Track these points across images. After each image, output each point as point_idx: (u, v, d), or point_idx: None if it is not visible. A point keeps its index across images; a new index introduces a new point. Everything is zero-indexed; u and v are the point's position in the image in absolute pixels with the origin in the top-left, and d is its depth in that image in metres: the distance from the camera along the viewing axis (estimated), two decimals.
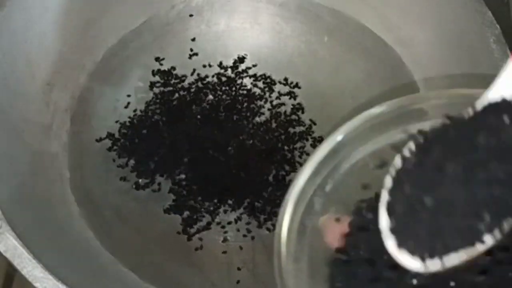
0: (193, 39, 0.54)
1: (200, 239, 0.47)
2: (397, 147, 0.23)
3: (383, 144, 0.26)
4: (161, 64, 0.53)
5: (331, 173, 0.25)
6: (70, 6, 0.50)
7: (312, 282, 0.23)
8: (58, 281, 0.35)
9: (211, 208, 0.48)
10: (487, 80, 0.23)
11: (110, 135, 0.50)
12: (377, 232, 0.21)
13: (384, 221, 0.21)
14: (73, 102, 0.50)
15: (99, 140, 0.49)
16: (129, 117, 0.51)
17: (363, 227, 0.23)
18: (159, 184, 0.48)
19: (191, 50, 0.53)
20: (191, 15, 0.54)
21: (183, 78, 0.52)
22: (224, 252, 0.46)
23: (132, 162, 0.49)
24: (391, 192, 0.21)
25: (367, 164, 0.26)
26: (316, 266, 0.23)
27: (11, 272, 0.47)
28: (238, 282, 0.45)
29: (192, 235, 0.47)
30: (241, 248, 0.47)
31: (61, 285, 0.35)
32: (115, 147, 0.49)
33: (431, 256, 0.20)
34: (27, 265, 0.36)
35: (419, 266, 0.20)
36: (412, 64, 0.51)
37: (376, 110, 0.25)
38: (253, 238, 0.47)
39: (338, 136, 0.25)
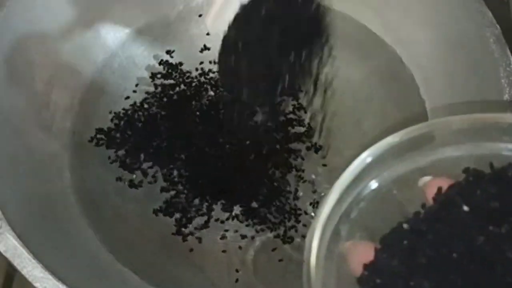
0: (208, 34, 0.54)
1: (199, 238, 0.47)
2: (420, 172, 0.24)
3: (405, 170, 0.26)
4: (168, 61, 0.53)
5: (355, 200, 0.25)
6: (70, 6, 0.50)
7: None
8: (58, 281, 0.36)
9: (204, 209, 0.47)
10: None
11: (99, 130, 0.50)
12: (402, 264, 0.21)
13: None
14: (73, 102, 0.50)
15: (91, 140, 0.49)
16: (124, 109, 0.50)
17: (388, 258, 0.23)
18: (153, 178, 0.48)
19: (204, 46, 0.53)
20: (200, 15, 0.55)
21: (187, 73, 0.52)
22: (224, 251, 0.46)
23: (122, 153, 0.49)
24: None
25: (390, 190, 0.26)
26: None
27: (11, 272, 0.47)
28: (237, 281, 0.45)
29: (186, 235, 0.47)
30: (240, 248, 0.47)
31: (61, 285, 0.35)
32: (104, 140, 0.49)
33: None
34: (27, 265, 0.36)
35: None
36: (412, 64, 0.51)
37: (395, 137, 0.26)
38: (252, 237, 0.47)
39: (360, 163, 0.25)
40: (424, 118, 0.49)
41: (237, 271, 0.45)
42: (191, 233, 0.47)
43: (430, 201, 0.24)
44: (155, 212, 0.47)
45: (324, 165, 0.49)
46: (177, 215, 0.47)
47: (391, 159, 0.26)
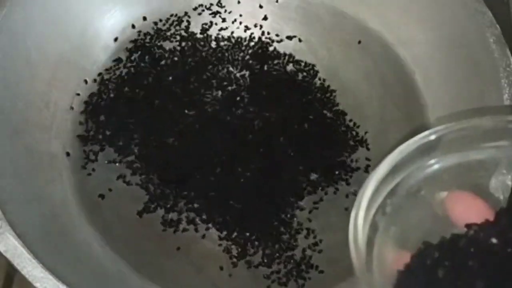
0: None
1: (199, 238, 0.47)
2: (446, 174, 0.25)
3: (434, 171, 0.26)
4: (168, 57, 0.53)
5: (389, 195, 0.26)
6: (70, 6, 0.50)
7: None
8: (58, 281, 0.35)
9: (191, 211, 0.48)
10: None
11: (99, 131, 0.50)
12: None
13: None
14: (73, 102, 0.50)
15: (91, 140, 0.49)
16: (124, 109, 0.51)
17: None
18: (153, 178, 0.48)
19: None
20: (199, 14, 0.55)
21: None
22: (224, 251, 0.46)
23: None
24: None
25: (419, 190, 0.26)
26: (384, 282, 0.24)
27: (11, 272, 0.47)
28: (238, 281, 0.45)
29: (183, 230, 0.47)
30: (239, 248, 0.47)
31: (61, 285, 0.35)
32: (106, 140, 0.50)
33: None
34: (27, 265, 0.36)
35: None
36: (412, 64, 0.51)
37: (429, 134, 0.26)
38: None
39: (395, 157, 0.25)
40: (424, 118, 0.49)
41: (235, 265, 0.46)
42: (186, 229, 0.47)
43: (451, 216, 0.24)
44: (139, 213, 0.47)
45: None
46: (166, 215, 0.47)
47: (421, 158, 0.26)
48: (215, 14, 0.55)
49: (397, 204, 0.26)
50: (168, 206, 0.47)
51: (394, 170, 0.25)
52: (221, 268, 0.46)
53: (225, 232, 0.47)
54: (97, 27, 0.52)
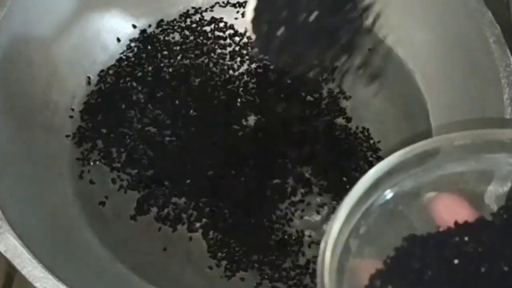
0: None
1: (201, 238, 0.47)
2: (425, 188, 0.25)
3: (411, 186, 0.27)
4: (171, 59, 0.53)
5: (363, 216, 0.26)
6: (70, 7, 0.50)
7: None
8: (58, 281, 0.35)
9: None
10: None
11: (99, 131, 0.50)
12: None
13: None
14: (73, 102, 0.50)
15: (91, 139, 0.49)
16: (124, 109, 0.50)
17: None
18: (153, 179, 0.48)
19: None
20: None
21: None
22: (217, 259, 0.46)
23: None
24: None
25: (396, 206, 0.26)
26: None
27: (11, 272, 0.47)
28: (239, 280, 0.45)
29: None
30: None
31: (61, 285, 0.35)
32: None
33: None
34: (27, 265, 0.36)
35: None
36: (412, 64, 0.51)
37: (401, 154, 0.26)
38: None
39: (368, 179, 0.26)
40: (424, 118, 0.49)
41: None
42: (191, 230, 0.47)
43: (435, 218, 0.25)
44: (132, 218, 0.47)
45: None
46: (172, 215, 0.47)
47: (397, 175, 0.26)
48: (214, 16, 0.55)
49: (371, 224, 0.26)
50: (162, 205, 0.47)
51: (368, 192, 0.26)
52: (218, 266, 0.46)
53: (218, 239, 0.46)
54: (97, 27, 0.52)
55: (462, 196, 0.25)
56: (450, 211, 0.25)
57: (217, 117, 0.50)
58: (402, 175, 0.26)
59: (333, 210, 0.47)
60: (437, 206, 0.25)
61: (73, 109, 0.50)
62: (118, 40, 0.53)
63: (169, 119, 0.50)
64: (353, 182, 0.26)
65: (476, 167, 0.26)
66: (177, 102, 0.51)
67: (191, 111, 0.50)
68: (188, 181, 0.48)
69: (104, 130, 0.50)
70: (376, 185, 0.26)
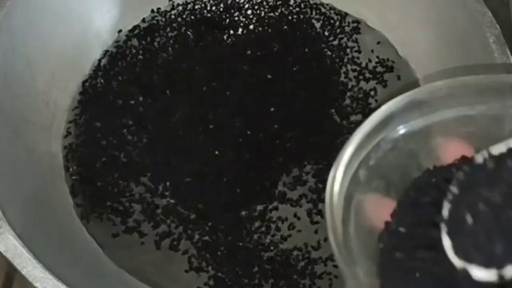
0: None
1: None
2: (435, 128, 0.25)
3: (422, 125, 0.27)
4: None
5: (374, 149, 0.26)
6: (70, 6, 0.50)
7: (359, 248, 0.24)
8: (58, 281, 0.35)
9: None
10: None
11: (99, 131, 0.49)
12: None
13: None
14: (73, 102, 0.50)
15: (91, 140, 0.49)
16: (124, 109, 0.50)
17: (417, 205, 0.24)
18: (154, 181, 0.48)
19: None
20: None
21: None
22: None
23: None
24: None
25: (407, 143, 0.27)
26: (361, 236, 0.25)
27: (11, 272, 0.47)
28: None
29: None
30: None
31: (61, 285, 0.35)
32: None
33: (488, 265, 0.20)
34: (27, 265, 0.36)
35: (479, 275, 0.20)
36: (412, 63, 0.51)
37: (415, 93, 0.27)
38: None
39: (381, 114, 0.26)
40: None
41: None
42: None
43: (442, 159, 0.25)
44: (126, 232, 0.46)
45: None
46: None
47: (410, 113, 0.27)
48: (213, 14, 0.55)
49: (381, 157, 0.26)
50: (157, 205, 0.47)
51: (380, 125, 0.26)
52: None
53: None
54: (97, 27, 0.52)
55: (471, 140, 0.25)
56: (457, 154, 0.25)
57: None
58: (414, 114, 0.27)
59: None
60: (445, 148, 0.25)
61: (73, 110, 0.50)
62: (118, 39, 0.53)
63: (169, 119, 0.50)
64: None
65: (487, 112, 0.27)
66: (174, 99, 0.51)
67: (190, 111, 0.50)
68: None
69: (101, 129, 0.50)
70: (388, 120, 0.26)
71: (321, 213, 0.46)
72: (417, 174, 0.26)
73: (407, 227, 0.24)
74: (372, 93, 0.51)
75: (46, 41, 0.49)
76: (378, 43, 0.53)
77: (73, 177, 0.47)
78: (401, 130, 0.27)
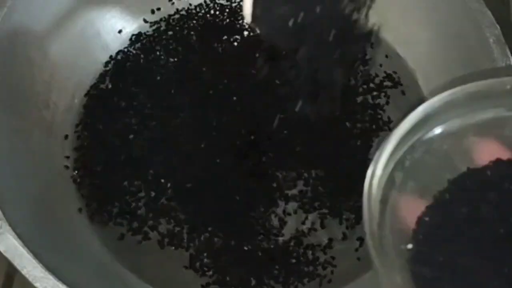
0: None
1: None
2: (470, 130, 0.25)
3: (457, 126, 0.27)
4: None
5: (409, 150, 0.26)
6: (70, 6, 0.50)
7: (393, 253, 0.24)
8: (58, 281, 0.35)
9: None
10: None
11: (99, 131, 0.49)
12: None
13: None
14: (73, 102, 0.50)
15: (91, 140, 0.49)
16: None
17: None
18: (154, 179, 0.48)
19: None
20: None
21: None
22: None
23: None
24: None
25: (441, 145, 0.27)
26: (397, 240, 0.24)
27: (11, 272, 0.47)
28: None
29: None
30: None
31: (61, 285, 0.35)
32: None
33: None
34: (27, 265, 0.36)
35: None
36: (412, 63, 0.51)
37: (451, 94, 0.26)
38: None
39: (417, 115, 0.26)
40: None
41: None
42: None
43: (476, 161, 0.25)
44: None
45: None
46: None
47: (446, 115, 0.27)
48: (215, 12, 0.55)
49: (416, 158, 0.26)
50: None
51: (416, 127, 0.26)
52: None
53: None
54: (97, 27, 0.52)
55: (507, 142, 0.25)
56: (492, 156, 0.25)
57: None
58: (450, 115, 0.26)
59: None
60: (480, 150, 0.25)
61: (76, 111, 0.50)
62: (118, 39, 0.53)
63: (172, 122, 0.50)
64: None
65: None
66: (177, 102, 0.51)
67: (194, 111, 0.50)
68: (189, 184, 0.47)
69: (103, 130, 0.50)
70: (424, 121, 0.26)
71: (325, 218, 0.46)
72: (452, 176, 0.26)
73: (441, 228, 0.24)
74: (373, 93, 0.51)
75: (46, 41, 0.49)
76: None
77: (74, 178, 0.48)
78: (437, 131, 0.27)
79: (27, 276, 0.36)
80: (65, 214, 0.45)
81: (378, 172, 0.25)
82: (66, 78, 0.50)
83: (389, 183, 0.25)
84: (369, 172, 0.25)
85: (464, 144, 0.27)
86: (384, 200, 0.25)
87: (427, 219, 0.24)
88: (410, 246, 0.24)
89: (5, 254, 0.36)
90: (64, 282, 0.36)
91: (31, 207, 0.42)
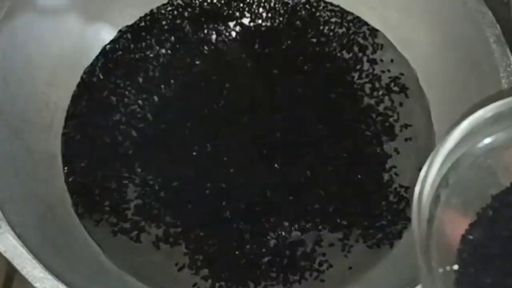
0: None
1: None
2: None
3: (500, 141, 0.26)
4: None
5: (453, 166, 0.26)
6: (70, 6, 0.50)
7: (441, 276, 0.24)
8: (58, 281, 0.35)
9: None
10: None
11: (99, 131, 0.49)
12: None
13: None
14: (72, 101, 0.50)
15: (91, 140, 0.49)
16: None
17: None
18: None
19: None
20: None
21: None
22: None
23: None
24: None
25: (485, 159, 0.26)
26: (444, 261, 0.24)
27: (11, 272, 0.47)
28: None
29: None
30: None
31: (61, 285, 0.35)
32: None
33: None
34: (27, 265, 0.36)
35: None
36: (412, 63, 0.51)
37: (491, 108, 0.26)
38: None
39: (461, 131, 0.26)
40: (425, 117, 0.49)
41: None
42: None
43: None
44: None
45: None
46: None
47: (491, 128, 0.26)
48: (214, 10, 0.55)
49: (460, 175, 0.26)
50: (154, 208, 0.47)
51: (461, 141, 0.25)
52: None
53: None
54: (97, 27, 0.52)
55: None
56: None
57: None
58: (495, 128, 0.26)
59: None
60: None
61: (71, 108, 0.50)
62: (119, 39, 0.53)
63: (169, 120, 0.50)
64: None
65: None
66: (168, 96, 0.51)
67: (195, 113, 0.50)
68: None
69: (99, 127, 0.49)
70: (469, 136, 0.26)
71: (326, 223, 0.46)
72: (495, 191, 0.25)
73: (486, 247, 0.24)
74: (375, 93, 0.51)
75: (46, 41, 0.49)
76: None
77: (73, 178, 0.47)
78: (481, 145, 0.26)
79: (27, 276, 0.36)
80: (65, 214, 0.45)
81: (426, 191, 0.24)
82: (66, 78, 0.50)
83: (435, 201, 0.25)
84: (416, 191, 0.24)
85: (509, 158, 0.26)
86: (430, 219, 0.24)
87: (471, 237, 0.24)
88: (456, 267, 0.24)
89: (4, 254, 0.36)
90: (64, 282, 0.36)
91: (31, 207, 0.42)
